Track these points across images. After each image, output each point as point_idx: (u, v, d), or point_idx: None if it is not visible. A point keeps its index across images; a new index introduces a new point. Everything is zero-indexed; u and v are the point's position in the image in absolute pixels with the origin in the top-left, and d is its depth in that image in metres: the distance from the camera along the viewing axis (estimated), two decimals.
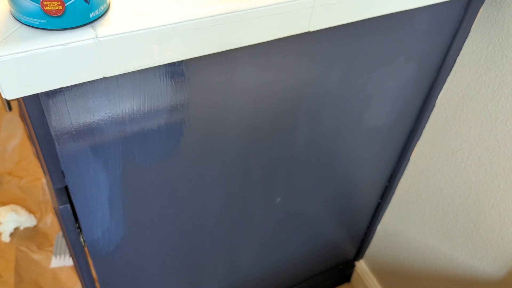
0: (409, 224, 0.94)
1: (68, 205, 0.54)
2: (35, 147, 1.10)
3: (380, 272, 1.09)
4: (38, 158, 1.22)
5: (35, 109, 0.43)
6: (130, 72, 0.44)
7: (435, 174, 0.83)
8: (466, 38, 0.68)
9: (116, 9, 0.40)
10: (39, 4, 0.35)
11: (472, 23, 0.65)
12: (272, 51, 0.51)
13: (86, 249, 0.61)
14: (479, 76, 0.68)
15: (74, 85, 0.43)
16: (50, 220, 1.31)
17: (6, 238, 1.24)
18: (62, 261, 1.20)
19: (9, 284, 1.16)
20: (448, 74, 0.73)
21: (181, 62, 0.46)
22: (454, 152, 0.77)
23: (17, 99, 0.44)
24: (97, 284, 0.68)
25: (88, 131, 0.47)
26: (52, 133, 0.45)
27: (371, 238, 1.07)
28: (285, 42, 0.50)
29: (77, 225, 0.57)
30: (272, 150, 0.65)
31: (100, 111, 0.46)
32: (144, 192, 0.59)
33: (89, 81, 0.43)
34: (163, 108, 0.50)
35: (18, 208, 1.29)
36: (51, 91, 0.42)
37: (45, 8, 0.35)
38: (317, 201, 0.84)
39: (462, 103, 0.73)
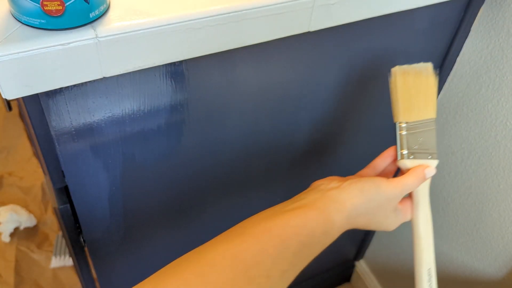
0: (409, 224, 0.94)
1: (68, 205, 0.54)
2: (35, 147, 1.10)
3: (380, 272, 1.09)
4: (38, 158, 1.22)
5: (35, 109, 0.43)
6: (130, 72, 0.44)
7: (435, 174, 0.83)
8: (466, 38, 0.67)
9: (116, 9, 0.40)
10: (39, 4, 0.35)
11: (472, 23, 0.65)
12: (272, 51, 0.51)
13: (86, 249, 0.61)
14: (479, 76, 0.68)
15: (74, 85, 0.43)
16: (50, 220, 1.31)
17: (6, 238, 1.24)
18: (62, 261, 1.20)
19: (9, 284, 1.16)
20: (448, 74, 0.73)
21: (181, 62, 0.46)
22: (454, 152, 0.77)
23: (17, 99, 0.44)
24: (97, 284, 0.68)
25: (88, 131, 0.47)
26: (52, 133, 0.45)
27: (371, 238, 1.07)
28: (285, 42, 0.50)
29: (77, 225, 0.57)
30: (272, 149, 0.65)
31: (100, 111, 0.46)
32: (144, 192, 0.59)
33: (89, 81, 0.43)
34: (163, 108, 0.50)
35: (18, 208, 1.29)
36: (51, 91, 0.42)
37: (45, 8, 0.35)
38: None
39: (462, 103, 0.73)
